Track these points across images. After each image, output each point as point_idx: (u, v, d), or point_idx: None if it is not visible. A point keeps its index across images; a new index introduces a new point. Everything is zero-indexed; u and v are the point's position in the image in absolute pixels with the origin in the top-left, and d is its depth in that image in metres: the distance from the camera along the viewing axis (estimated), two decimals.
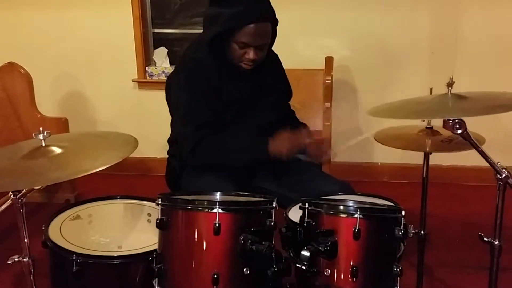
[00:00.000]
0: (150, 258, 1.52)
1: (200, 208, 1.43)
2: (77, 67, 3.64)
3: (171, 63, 3.63)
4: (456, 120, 1.44)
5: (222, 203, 1.41)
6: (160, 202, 1.47)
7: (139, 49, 3.56)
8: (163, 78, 3.54)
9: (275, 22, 1.94)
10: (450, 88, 1.65)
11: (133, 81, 3.63)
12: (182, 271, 1.44)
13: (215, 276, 1.38)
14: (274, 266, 1.41)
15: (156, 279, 1.47)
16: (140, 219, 1.81)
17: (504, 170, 1.48)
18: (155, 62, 3.66)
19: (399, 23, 3.33)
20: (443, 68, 3.32)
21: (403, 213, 1.48)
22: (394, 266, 1.45)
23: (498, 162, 1.49)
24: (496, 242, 1.55)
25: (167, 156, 2.18)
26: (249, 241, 1.39)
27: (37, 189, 1.48)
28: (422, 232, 1.96)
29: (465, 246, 2.59)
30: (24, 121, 3.02)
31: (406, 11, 3.31)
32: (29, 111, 3.02)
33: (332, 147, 2.92)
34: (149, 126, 3.54)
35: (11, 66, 3.00)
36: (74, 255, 1.51)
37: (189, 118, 1.94)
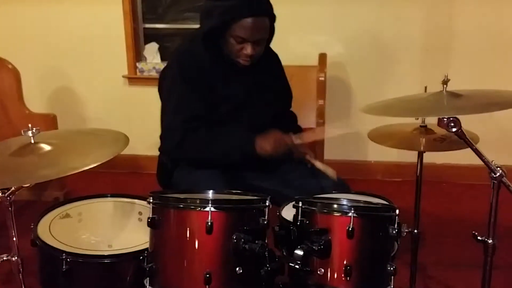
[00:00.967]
0: (141, 257, 1.51)
1: (192, 207, 1.41)
2: (66, 63, 3.60)
3: (162, 59, 3.60)
4: (451, 118, 1.43)
5: (214, 202, 1.40)
6: (151, 201, 1.46)
7: (129, 44, 3.52)
8: (154, 74, 3.51)
9: (273, 17, 1.92)
10: (445, 86, 1.64)
11: (123, 77, 3.60)
12: (174, 270, 1.43)
13: (208, 276, 1.37)
14: (267, 265, 1.40)
15: (147, 278, 1.45)
16: (131, 217, 1.79)
17: (498, 168, 1.48)
18: (145, 57, 3.63)
19: (394, 20, 3.32)
20: (437, 66, 3.33)
21: (397, 211, 1.47)
22: (388, 265, 1.45)
23: (492, 161, 1.49)
24: (490, 241, 1.55)
25: (158, 153, 2.16)
26: (242, 240, 1.38)
27: (26, 187, 1.46)
28: (415, 230, 1.96)
29: (458, 244, 2.59)
30: (12, 117, 2.98)
31: (401, 7, 3.31)
32: (17, 107, 2.98)
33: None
34: (140, 123, 3.51)
35: None
36: (64, 254, 1.49)
37: (180, 110, 1.92)
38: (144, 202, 1.76)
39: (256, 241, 1.38)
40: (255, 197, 1.53)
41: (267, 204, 1.48)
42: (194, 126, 1.90)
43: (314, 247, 1.39)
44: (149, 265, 1.44)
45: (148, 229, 1.46)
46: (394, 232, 1.44)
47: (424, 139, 1.89)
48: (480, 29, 3.27)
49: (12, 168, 1.42)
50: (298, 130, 2.14)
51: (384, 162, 3.53)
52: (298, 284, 1.49)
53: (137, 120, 3.58)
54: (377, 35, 3.35)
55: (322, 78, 3.04)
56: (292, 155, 2.00)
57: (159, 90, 2.07)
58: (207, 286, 1.37)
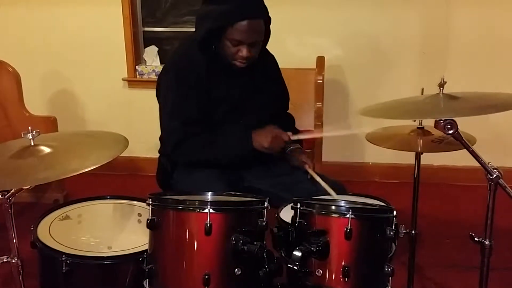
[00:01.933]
0: (140, 259, 1.51)
1: (191, 208, 1.42)
2: (67, 66, 3.60)
3: (161, 62, 3.60)
4: (448, 120, 1.44)
5: (213, 203, 1.41)
6: (150, 202, 1.46)
7: (129, 47, 3.53)
8: (154, 77, 3.51)
9: (268, 19, 1.93)
10: (441, 88, 1.65)
11: (123, 79, 3.61)
12: (173, 271, 1.43)
13: (206, 277, 1.37)
14: (266, 266, 1.41)
15: (147, 279, 1.46)
16: (130, 219, 1.80)
17: (495, 170, 1.48)
18: (145, 60, 3.64)
19: (391, 23, 3.34)
20: (434, 68, 3.34)
21: (394, 213, 1.48)
22: (386, 266, 1.46)
23: (489, 162, 1.49)
24: (487, 242, 1.55)
25: (158, 155, 2.17)
26: (241, 241, 1.38)
27: (25, 189, 1.46)
28: (413, 232, 1.97)
29: (456, 245, 2.59)
30: (12, 120, 2.99)
31: (398, 10, 3.32)
32: (17, 109, 2.98)
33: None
34: (140, 125, 3.51)
35: None
36: (64, 256, 1.49)
37: (177, 114, 1.94)
38: (143, 204, 1.76)
39: (255, 243, 1.39)
40: (254, 199, 1.53)
41: (265, 205, 1.49)
42: (192, 128, 1.92)
43: (312, 248, 1.39)
44: (149, 266, 1.45)
45: (148, 230, 1.46)
46: (391, 233, 1.45)
47: (421, 141, 1.90)
48: (477, 32, 3.29)
49: (12, 170, 1.42)
50: (296, 132, 2.15)
51: (382, 164, 3.53)
52: (297, 285, 1.49)
53: (137, 123, 3.58)
54: (374, 38, 3.37)
55: (320, 81, 3.06)
56: (289, 159, 2.02)
57: (156, 94, 2.08)
58: (206, 287, 1.38)
